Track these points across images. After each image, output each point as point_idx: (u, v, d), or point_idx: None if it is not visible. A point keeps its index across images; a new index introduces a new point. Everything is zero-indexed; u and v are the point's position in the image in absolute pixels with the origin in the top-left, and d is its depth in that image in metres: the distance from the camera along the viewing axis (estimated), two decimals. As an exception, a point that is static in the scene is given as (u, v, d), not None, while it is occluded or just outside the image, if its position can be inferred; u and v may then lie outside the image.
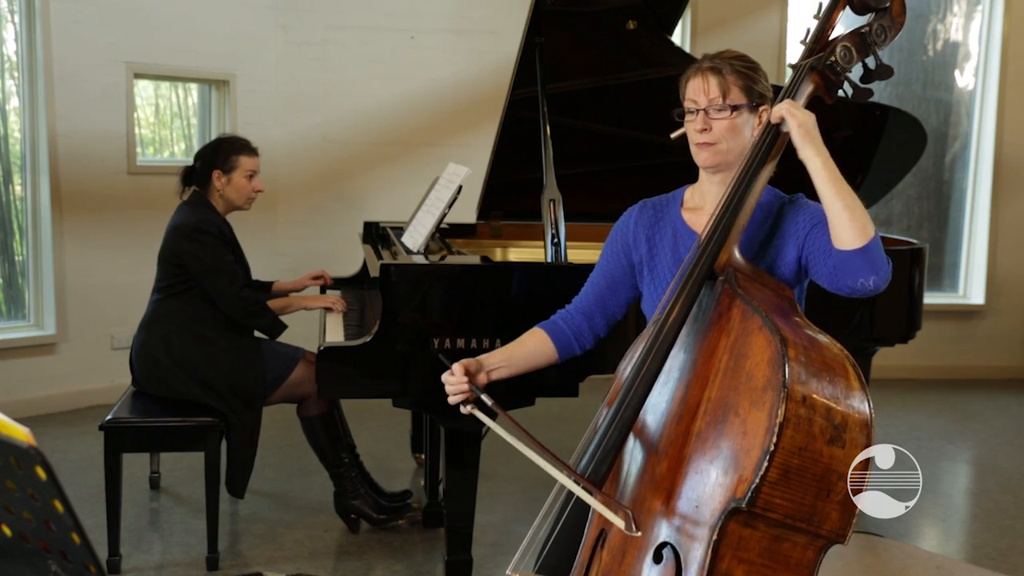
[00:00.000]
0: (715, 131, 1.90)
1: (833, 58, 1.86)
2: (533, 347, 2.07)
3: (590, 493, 1.68)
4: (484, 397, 1.84)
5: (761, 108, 1.91)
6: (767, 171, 1.83)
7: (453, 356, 2.77)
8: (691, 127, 1.93)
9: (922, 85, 6.35)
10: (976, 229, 6.41)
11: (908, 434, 5.00)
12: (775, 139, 1.84)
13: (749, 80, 1.91)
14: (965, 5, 6.32)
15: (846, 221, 1.74)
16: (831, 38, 1.91)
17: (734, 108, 1.89)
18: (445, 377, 1.90)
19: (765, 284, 1.80)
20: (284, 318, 3.40)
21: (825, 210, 1.77)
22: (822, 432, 1.57)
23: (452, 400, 1.89)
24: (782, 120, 1.80)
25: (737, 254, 1.81)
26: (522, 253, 4.03)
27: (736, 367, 1.65)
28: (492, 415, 1.85)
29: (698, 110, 1.91)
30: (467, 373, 1.88)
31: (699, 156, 1.95)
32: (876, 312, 3.38)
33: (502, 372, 2.00)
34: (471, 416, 1.86)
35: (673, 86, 2.00)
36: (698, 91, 1.91)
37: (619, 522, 1.64)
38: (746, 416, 1.59)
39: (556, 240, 3.04)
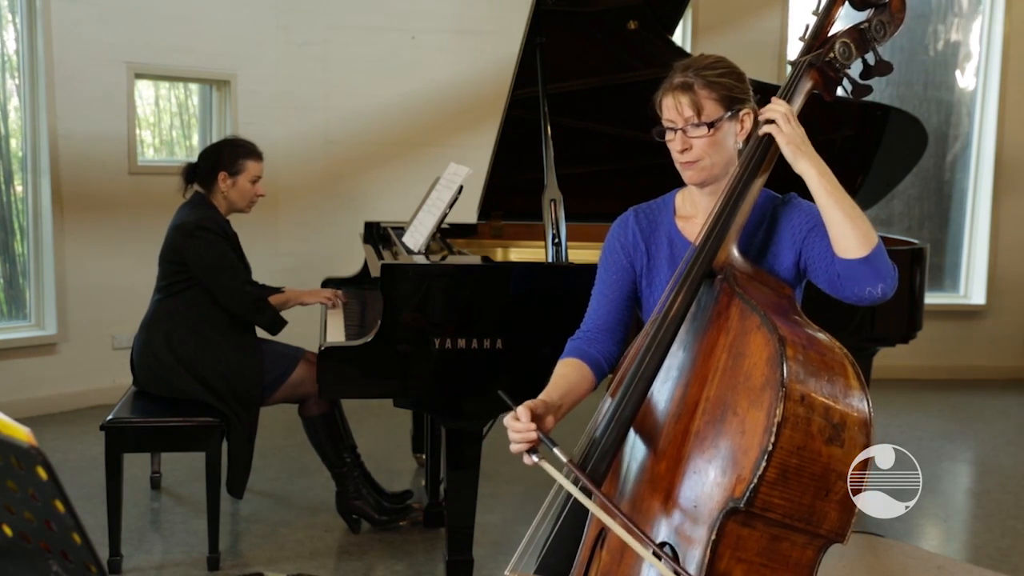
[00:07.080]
0: (696, 149, 1.85)
1: (832, 55, 1.84)
2: (578, 379, 1.92)
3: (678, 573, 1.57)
4: (557, 452, 1.63)
5: (742, 112, 1.86)
6: (760, 181, 1.81)
7: (454, 356, 2.78)
8: (672, 146, 1.89)
9: (923, 85, 6.35)
10: (977, 229, 6.41)
11: (909, 434, 5.00)
12: (767, 150, 1.80)
13: (723, 89, 1.84)
14: (966, 5, 6.32)
15: (848, 231, 1.72)
16: (830, 34, 1.88)
17: (711, 125, 1.83)
18: (509, 422, 1.70)
19: (764, 283, 1.79)
20: (284, 315, 3.41)
21: (825, 221, 1.75)
22: (820, 431, 1.56)
23: (515, 449, 1.69)
24: (769, 132, 1.77)
25: (736, 253, 1.80)
26: (523, 253, 4.03)
27: (735, 366, 1.64)
28: (558, 464, 1.67)
29: (676, 129, 1.86)
30: (533, 418, 1.70)
31: (684, 174, 1.91)
32: (877, 312, 3.38)
33: (564, 409, 1.85)
34: (535, 466, 1.67)
35: None
36: (672, 111, 1.86)
37: None
38: (744, 415, 1.59)
39: (557, 240, 3.04)
